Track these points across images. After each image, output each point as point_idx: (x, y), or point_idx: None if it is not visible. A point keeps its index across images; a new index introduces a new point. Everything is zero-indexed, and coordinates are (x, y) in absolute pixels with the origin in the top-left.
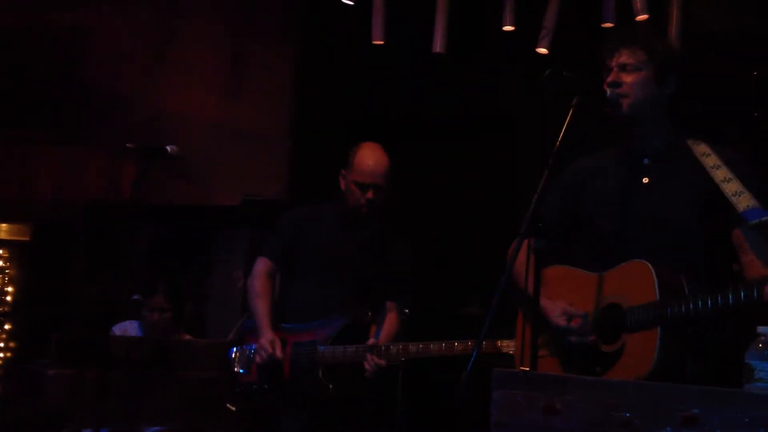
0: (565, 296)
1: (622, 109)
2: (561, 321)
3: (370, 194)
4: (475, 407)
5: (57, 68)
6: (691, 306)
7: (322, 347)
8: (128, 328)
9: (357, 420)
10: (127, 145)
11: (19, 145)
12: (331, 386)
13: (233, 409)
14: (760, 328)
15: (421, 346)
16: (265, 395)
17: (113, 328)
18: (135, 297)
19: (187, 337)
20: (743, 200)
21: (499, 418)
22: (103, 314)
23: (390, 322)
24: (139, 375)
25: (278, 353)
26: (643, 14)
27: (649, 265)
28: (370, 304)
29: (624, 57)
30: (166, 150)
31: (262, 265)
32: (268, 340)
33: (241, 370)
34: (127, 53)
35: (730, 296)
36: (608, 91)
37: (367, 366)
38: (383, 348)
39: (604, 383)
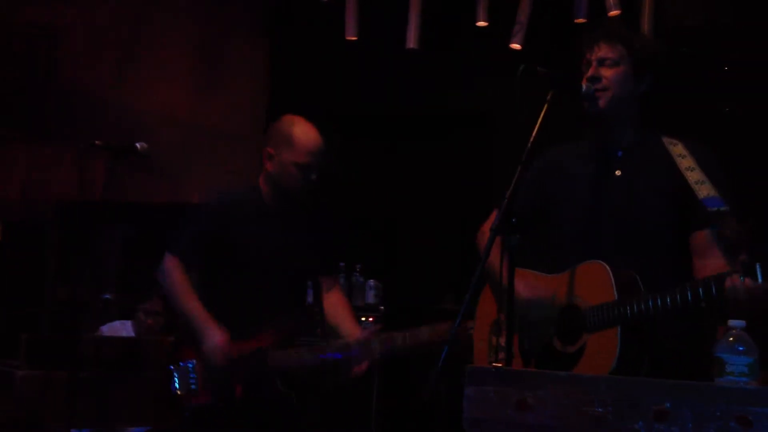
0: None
1: (599, 104)
2: (529, 293)
3: (313, 175)
4: (449, 404)
5: (27, 66)
6: (651, 304)
7: (275, 352)
8: (119, 328)
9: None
10: (96, 142)
11: None
12: (294, 396)
13: None
14: (731, 322)
15: (408, 335)
16: (219, 414)
17: (102, 328)
18: (106, 296)
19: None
20: (704, 189)
21: (472, 414)
22: (74, 314)
23: (341, 304)
24: (110, 376)
25: (235, 353)
26: (615, 10)
27: (605, 266)
28: (306, 290)
29: (603, 51)
30: (136, 147)
31: (174, 262)
32: (224, 341)
33: (181, 391)
34: (98, 50)
35: (688, 293)
36: (585, 86)
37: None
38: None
39: (577, 378)
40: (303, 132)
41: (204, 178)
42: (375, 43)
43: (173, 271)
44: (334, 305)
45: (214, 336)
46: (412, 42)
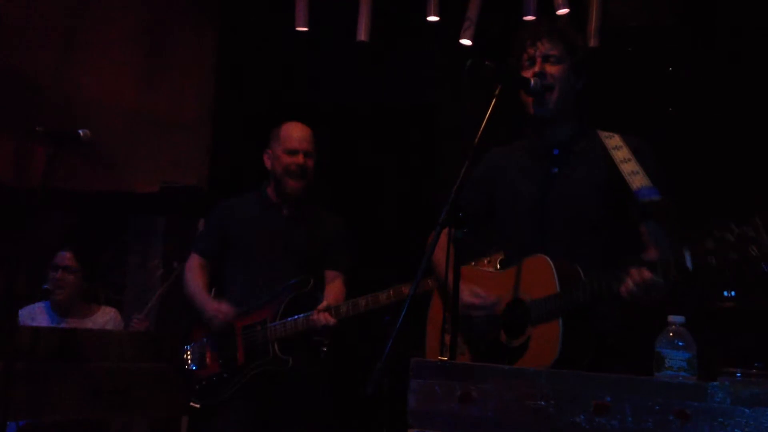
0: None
1: (549, 107)
2: (472, 299)
3: (300, 158)
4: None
5: None
6: (590, 292)
7: (272, 323)
8: (34, 310)
9: (307, 401)
10: (37, 128)
11: None
12: (290, 360)
13: (197, 406)
14: (671, 317)
15: (369, 298)
16: (226, 384)
17: (20, 312)
18: (45, 286)
19: (109, 310)
20: (637, 180)
21: (416, 407)
22: (11, 305)
23: (335, 287)
24: (46, 366)
25: (228, 311)
26: (563, 9)
27: (548, 259)
28: (311, 276)
29: (547, 47)
30: (79, 134)
31: (193, 260)
32: (213, 309)
33: (194, 367)
34: (40, 33)
35: (604, 287)
36: (533, 81)
37: (316, 323)
38: (333, 308)
39: (520, 372)
40: (288, 125)
41: (148, 167)
42: (325, 34)
43: (191, 267)
44: (329, 289)
45: (210, 307)
46: (362, 35)
